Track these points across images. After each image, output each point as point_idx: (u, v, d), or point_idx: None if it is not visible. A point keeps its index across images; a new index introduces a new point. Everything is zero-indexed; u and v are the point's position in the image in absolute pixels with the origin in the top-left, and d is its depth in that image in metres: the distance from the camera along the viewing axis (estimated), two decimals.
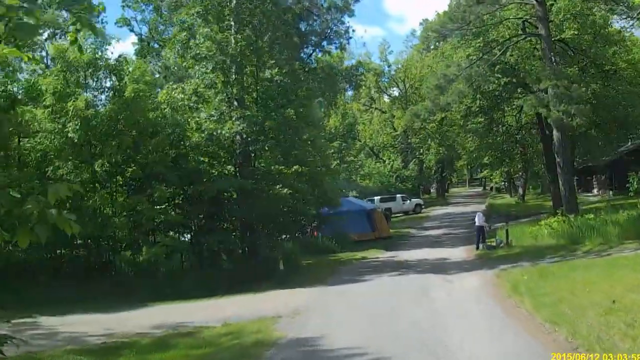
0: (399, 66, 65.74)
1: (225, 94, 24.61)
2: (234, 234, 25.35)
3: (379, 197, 53.61)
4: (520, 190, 47.82)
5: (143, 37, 47.49)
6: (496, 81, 30.48)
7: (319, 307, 15.75)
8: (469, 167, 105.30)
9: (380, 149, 68.71)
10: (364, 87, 68.35)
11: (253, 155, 25.25)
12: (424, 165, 73.93)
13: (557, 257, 21.24)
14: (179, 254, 23.76)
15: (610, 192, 44.10)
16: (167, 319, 15.08)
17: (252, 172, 24.85)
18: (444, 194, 73.52)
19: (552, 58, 28.08)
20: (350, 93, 72.11)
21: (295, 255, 25.57)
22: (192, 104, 24.84)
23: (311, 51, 45.24)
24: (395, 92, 67.98)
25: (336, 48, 46.62)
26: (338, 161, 50.39)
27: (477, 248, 26.04)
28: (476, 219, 26.69)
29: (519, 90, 30.56)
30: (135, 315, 16.60)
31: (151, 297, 18.91)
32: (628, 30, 34.92)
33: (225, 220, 25.20)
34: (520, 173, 47.98)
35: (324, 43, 45.34)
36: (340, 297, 17.00)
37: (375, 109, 68.28)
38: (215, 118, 23.98)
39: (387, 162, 63.31)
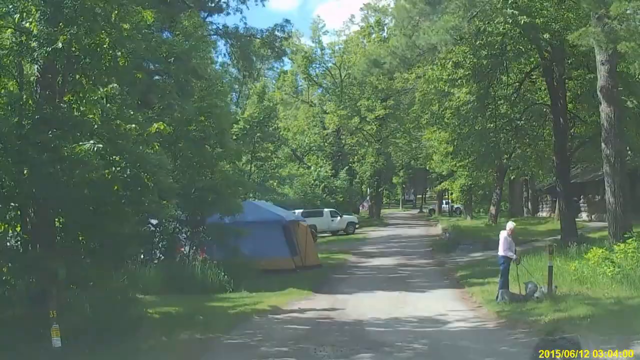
0: (337, 48, 53.58)
1: None
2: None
3: (300, 210, 41.08)
4: (492, 210, 36.44)
5: None
6: (509, 20, 18.50)
7: None
8: (403, 186, 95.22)
9: (305, 152, 56.18)
10: (289, 74, 56.02)
11: (61, 79, 11.61)
12: (355, 179, 62.26)
13: None
14: None
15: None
16: None
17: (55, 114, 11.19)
18: (379, 214, 61.61)
19: None
20: (273, 80, 59.74)
21: (132, 299, 12.38)
22: None
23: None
24: (328, 84, 55.64)
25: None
26: (249, 156, 37.32)
27: (498, 298, 13.75)
28: (500, 246, 14.39)
29: (544, 37, 18.75)
30: None
31: None
32: None
33: None
34: (494, 185, 36.70)
35: None
36: None
37: (303, 101, 55.71)
38: None
39: (312, 168, 50.84)
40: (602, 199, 37.19)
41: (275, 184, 43.85)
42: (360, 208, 75.99)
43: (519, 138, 23.99)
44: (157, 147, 13.73)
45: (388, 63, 17.56)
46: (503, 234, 14.32)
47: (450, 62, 20.36)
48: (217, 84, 21.38)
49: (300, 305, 14.10)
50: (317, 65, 54.20)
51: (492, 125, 22.70)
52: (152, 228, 18.32)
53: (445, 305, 13.92)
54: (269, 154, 38.11)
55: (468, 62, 20.51)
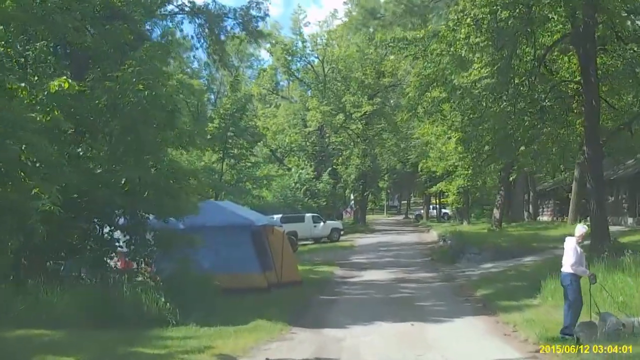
0: (319, 40, 48.86)
1: None
2: None
3: (279, 215, 36.60)
4: (496, 214, 31.71)
5: None
6: None
7: None
8: (388, 191, 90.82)
9: (285, 153, 51.51)
10: (268, 69, 51.47)
11: None
12: (338, 184, 57.81)
13: None
14: None
15: (630, 220, 29.60)
16: None
17: None
18: (365, 219, 57.04)
19: None
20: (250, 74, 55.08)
21: None
22: None
23: None
24: (310, 80, 50.97)
25: None
26: (221, 154, 32.72)
27: (582, 339, 9.07)
28: (567, 259, 9.88)
29: None
30: None
31: None
32: None
33: None
34: (499, 185, 32.17)
35: None
36: None
37: (283, 97, 51.08)
38: None
39: (294, 170, 46.23)
40: (617, 200, 33.26)
41: (251, 185, 39.29)
42: (344, 214, 71.71)
43: (545, 122, 19.57)
44: (57, 112, 9.23)
45: (390, 12, 13.20)
46: (571, 242, 9.85)
47: (469, 18, 15.82)
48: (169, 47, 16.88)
49: (269, 354, 9.30)
50: (298, 59, 49.61)
51: (511, 107, 18.24)
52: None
53: (485, 348, 9.40)
54: (244, 151, 33.36)
55: (489, 20, 15.89)
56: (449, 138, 31.53)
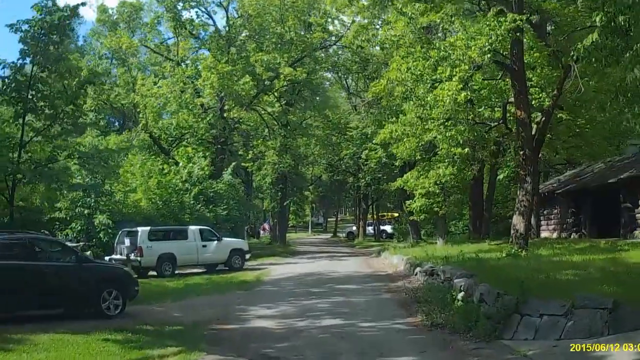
0: None
1: None
2: None
3: (147, 228, 21.77)
4: (519, 225, 17.01)
5: None
6: None
7: None
8: (313, 205, 76.99)
9: (173, 142, 36.42)
10: (150, 22, 36.03)
11: None
12: (251, 189, 43.55)
13: None
14: None
15: None
16: None
17: None
18: (284, 238, 42.45)
19: None
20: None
21: None
22: None
23: None
24: (210, 36, 36.11)
25: None
26: (19, 106, 17.33)
27: None
28: None
29: None
30: None
31: None
32: None
33: None
34: (523, 175, 17.48)
35: None
36: None
37: (167, 58, 35.68)
38: None
39: (181, 164, 31.30)
40: None
41: (110, 183, 24.00)
42: (261, 232, 57.50)
43: None
44: None
45: None
46: None
47: None
48: None
49: None
50: (193, 6, 34.64)
51: None
52: None
53: None
54: (62, 104, 18.02)
55: None
56: (435, 84, 17.55)
